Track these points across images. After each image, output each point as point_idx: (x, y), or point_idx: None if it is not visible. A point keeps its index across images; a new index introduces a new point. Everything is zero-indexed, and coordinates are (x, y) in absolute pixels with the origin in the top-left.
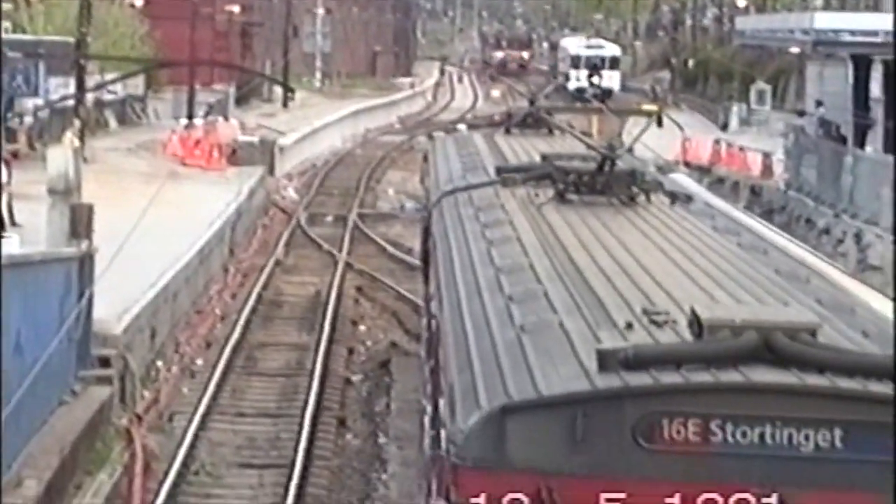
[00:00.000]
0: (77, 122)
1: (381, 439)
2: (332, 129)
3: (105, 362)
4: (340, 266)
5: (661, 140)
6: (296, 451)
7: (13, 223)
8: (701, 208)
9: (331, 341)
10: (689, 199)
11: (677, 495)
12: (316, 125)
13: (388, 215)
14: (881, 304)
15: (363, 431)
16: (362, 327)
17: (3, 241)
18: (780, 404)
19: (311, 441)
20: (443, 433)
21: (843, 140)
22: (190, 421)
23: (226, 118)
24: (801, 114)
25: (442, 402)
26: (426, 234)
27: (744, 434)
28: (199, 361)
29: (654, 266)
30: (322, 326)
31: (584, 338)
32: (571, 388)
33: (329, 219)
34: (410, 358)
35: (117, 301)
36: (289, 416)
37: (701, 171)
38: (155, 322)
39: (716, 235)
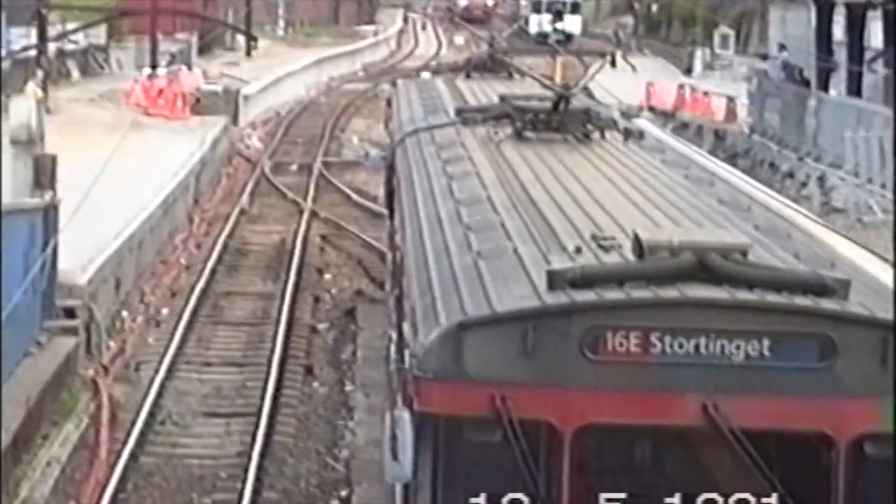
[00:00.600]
0: (39, 73)
1: (348, 387)
2: (295, 77)
3: (70, 313)
4: (305, 214)
5: (626, 86)
6: (262, 399)
7: None
8: (652, 144)
9: (296, 289)
10: (641, 135)
11: (620, 402)
12: (279, 74)
13: (352, 163)
14: (845, 246)
15: (330, 379)
16: (328, 275)
17: None
18: (713, 318)
19: (277, 389)
20: (406, 351)
21: (807, 84)
22: (156, 370)
23: (189, 67)
24: (765, 58)
25: (406, 326)
26: (390, 171)
27: (680, 345)
28: (165, 311)
29: (604, 197)
30: (288, 275)
31: (535, 262)
32: (523, 304)
33: (294, 167)
34: (376, 306)
35: (82, 251)
36: (255, 365)
37: (665, 116)
38: (120, 272)
39: (664, 168)
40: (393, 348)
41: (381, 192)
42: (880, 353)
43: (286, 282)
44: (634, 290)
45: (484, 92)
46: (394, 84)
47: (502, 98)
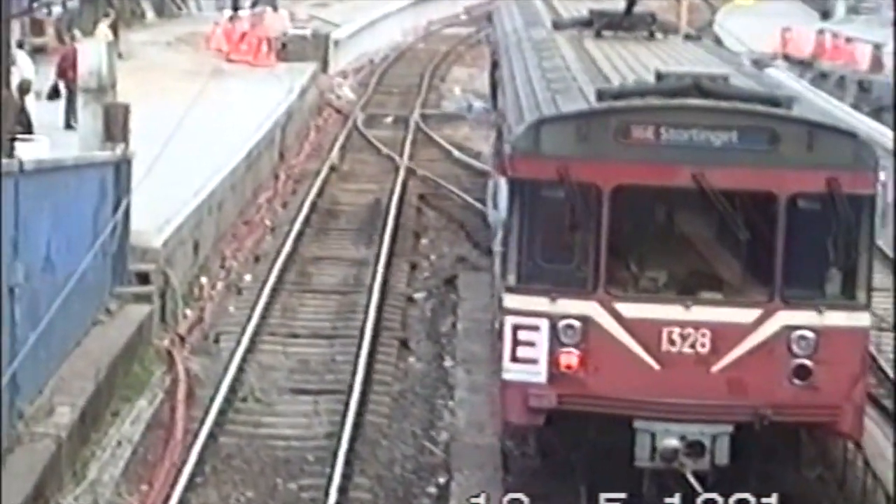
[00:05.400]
0: (111, 13)
1: (447, 362)
2: (391, 20)
3: (144, 278)
4: (402, 172)
5: (758, 30)
6: (353, 375)
7: (69, 125)
8: (707, 44)
9: (391, 255)
10: (699, 38)
11: (640, 171)
12: (374, 16)
13: (453, 116)
14: None
15: (427, 354)
16: (425, 240)
17: (30, 144)
18: (701, 117)
19: (370, 364)
20: (506, 146)
21: None
22: (237, 342)
23: (274, 9)
24: None
25: (504, 129)
26: (494, 67)
27: (679, 134)
28: (247, 277)
29: (650, 64)
30: (381, 239)
31: (591, 91)
32: (579, 108)
33: (389, 120)
34: (479, 274)
35: (157, 211)
36: (346, 338)
37: (802, 66)
38: (198, 234)
39: (704, 53)
40: (492, 149)
41: (484, 148)
42: (807, 142)
43: (380, 246)
44: (651, 99)
45: (577, 8)
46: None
47: (591, 11)
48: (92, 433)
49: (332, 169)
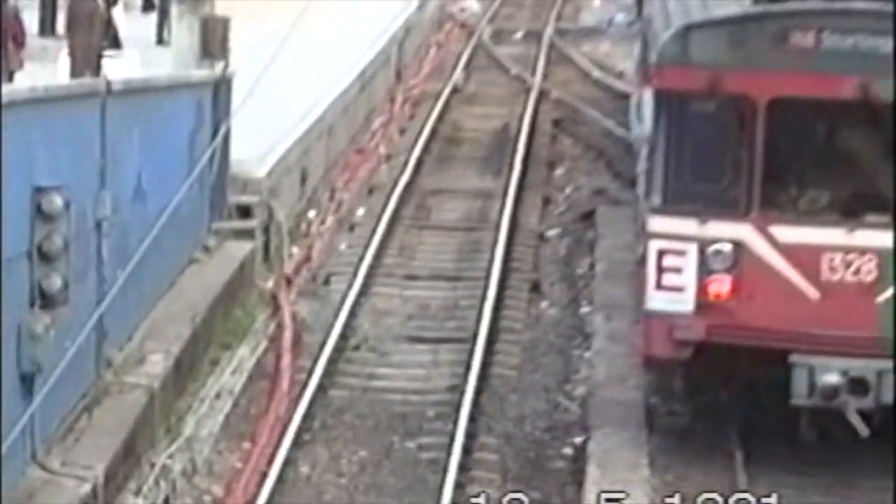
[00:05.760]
0: None
1: (584, 308)
2: None
3: (245, 212)
4: (533, 94)
5: None
6: (478, 322)
7: (162, 40)
8: None
9: (521, 187)
10: None
11: (800, 81)
12: None
13: (593, 30)
14: None
15: (561, 298)
16: (560, 170)
17: (118, 61)
18: (867, 21)
19: (497, 310)
20: (652, 54)
21: None
22: (349, 285)
23: None
24: None
25: (650, 39)
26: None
27: (843, 41)
28: (360, 212)
29: None
30: (510, 169)
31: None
32: (733, 12)
33: (519, 35)
34: (620, 208)
35: (260, 137)
36: (470, 280)
37: None
38: (306, 163)
39: None
40: (638, 57)
41: (627, 66)
42: None
43: (508, 177)
44: (813, 2)
45: None
46: None
47: None
48: (188, 384)
49: (455, 90)
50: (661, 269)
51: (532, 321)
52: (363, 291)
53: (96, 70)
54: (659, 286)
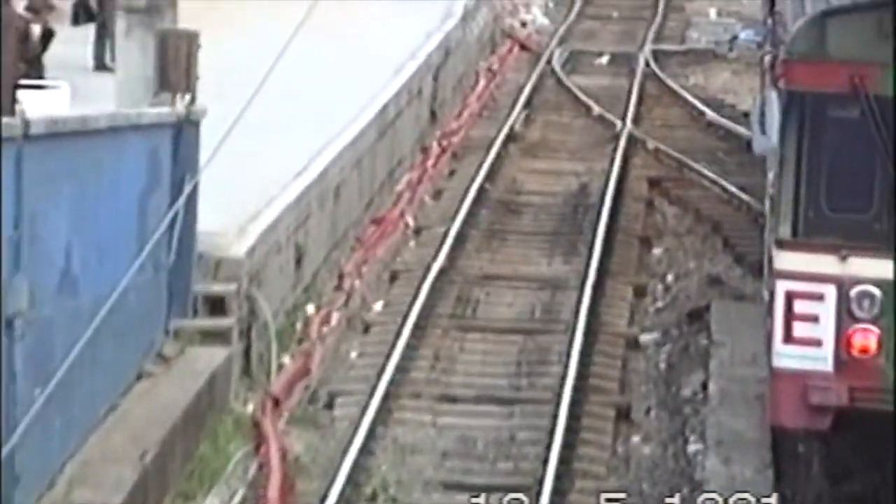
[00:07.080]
0: None
1: (693, 446)
2: None
3: (218, 306)
4: (622, 142)
5: None
6: (545, 464)
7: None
8: None
9: (603, 274)
10: None
11: None
12: None
13: (706, 53)
14: None
15: (660, 431)
16: (658, 250)
17: (41, 93)
18: None
19: (568, 447)
20: (780, 48)
21: None
22: (362, 409)
23: None
24: None
25: (778, 27)
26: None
27: None
28: (378, 306)
29: None
30: (591, 248)
31: None
32: None
33: (603, 60)
34: (742, 305)
35: (239, 201)
36: (531, 403)
37: None
38: (303, 238)
39: None
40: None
41: (749, 103)
42: None
43: (587, 260)
44: None
45: None
46: None
47: None
48: None
49: (512, 137)
50: (791, 317)
51: (619, 463)
52: (381, 419)
53: (10, 106)
54: (788, 339)
